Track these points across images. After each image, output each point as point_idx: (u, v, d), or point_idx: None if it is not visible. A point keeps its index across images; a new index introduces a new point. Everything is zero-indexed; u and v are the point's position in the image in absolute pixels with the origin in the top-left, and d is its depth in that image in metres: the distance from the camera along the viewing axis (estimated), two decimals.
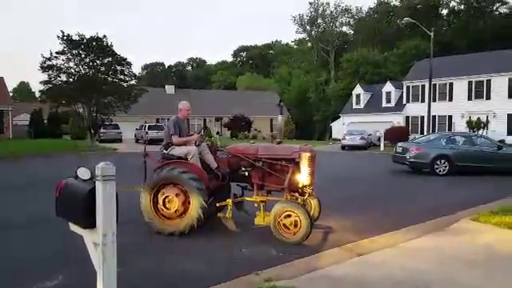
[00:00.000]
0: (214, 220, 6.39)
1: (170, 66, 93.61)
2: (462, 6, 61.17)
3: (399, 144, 16.91)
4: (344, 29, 71.76)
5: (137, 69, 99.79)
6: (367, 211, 8.10)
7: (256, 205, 6.16)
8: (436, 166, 14.57)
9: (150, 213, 6.05)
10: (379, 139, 31.74)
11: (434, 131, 32.53)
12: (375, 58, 54.87)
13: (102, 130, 37.58)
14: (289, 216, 5.54)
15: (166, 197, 5.95)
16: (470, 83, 37.73)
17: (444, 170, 14.47)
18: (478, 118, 33.46)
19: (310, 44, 73.34)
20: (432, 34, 28.72)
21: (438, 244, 5.59)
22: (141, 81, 53.86)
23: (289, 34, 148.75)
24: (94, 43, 32.55)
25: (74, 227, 2.90)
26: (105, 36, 32.92)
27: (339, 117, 49.25)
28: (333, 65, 65.06)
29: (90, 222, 2.71)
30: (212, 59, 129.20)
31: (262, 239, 5.80)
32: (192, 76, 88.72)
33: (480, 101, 36.84)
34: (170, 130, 6.43)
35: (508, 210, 7.28)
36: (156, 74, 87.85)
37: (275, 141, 6.65)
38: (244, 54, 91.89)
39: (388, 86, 44.04)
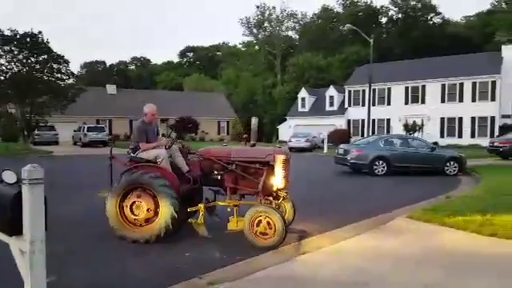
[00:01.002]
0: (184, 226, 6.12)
1: (111, 65, 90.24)
2: (400, 15, 64.71)
3: (341, 146, 17.50)
4: (290, 33, 73.40)
5: (75, 67, 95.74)
6: (315, 212, 8.21)
7: (229, 209, 5.94)
8: (375, 167, 15.22)
9: (117, 219, 5.70)
10: (323, 141, 32.68)
11: (373, 134, 34.05)
12: (319, 63, 56.57)
13: (36, 132, 35.42)
14: (263, 220, 5.38)
15: (134, 202, 5.66)
16: (406, 88, 40.01)
17: (382, 171, 15.14)
18: (414, 121, 35.52)
19: (257, 47, 74.06)
20: (372, 40, 30.07)
21: (376, 241, 5.82)
22: (79, 80, 51.43)
23: (236, 36, 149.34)
24: (28, 39, 30.75)
25: None
26: (40, 32, 31.21)
27: (286, 119, 50.16)
28: (279, 68, 66.18)
29: (16, 229, 2.52)
30: (157, 59, 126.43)
31: (207, 242, 5.71)
32: (135, 76, 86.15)
33: (416, 105, 39.15)
34: (135, 138, 6.13)
35: (440, 208, 7.75)
36: (96, 72, 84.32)
37: (249, 143, 6.50)
38: (191, 55, 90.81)
39: (331, 91, 45.56)
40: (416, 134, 31.73)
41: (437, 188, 11.53)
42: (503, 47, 37.49)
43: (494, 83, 35.37)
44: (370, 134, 31.24)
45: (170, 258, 5.16)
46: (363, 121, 38.48)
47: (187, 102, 51.39)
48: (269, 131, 60.43)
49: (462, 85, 36.88)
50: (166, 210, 5.53)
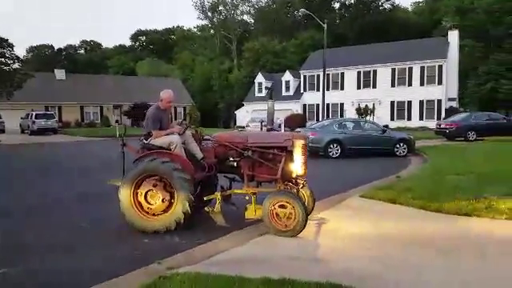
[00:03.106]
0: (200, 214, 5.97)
1: (59, 49, 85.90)
2: (352, 1, 65.81)
3: (297, 130, 17.77)
4: (245, 17, 72.82)
5: (21, 51, 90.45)
6: None
7: (247, 197, 5.69)
8: (329, 150, 15.61)
9: (131, 209, 5.50)
10: (280, 126, 33.03)
11: (328, 118, 34.80)
12: (275, 48, 56.68)
13: None
14: (283, 207, 5.17)
15: (148, 191, 5.46)
16: (358, 73, 41.07)
17: (336, 153, 15.56)
18: (366, 105, 36.56)
19: (212, 31, 73.00)
20: (325, 25, 30.47)
21: (331, 220, 6.02)
22: (26, 64, 48.67)
23: (190, 20, 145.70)
24: None
25: None
26: None
27: (243, 104, 50.13)
28: (235, 53, 65.72)
29: None
30: (108, 43, 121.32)
31: None
32: (85, 60, 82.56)
33: (367, 89, 40.32)
34: (149, 125, 5.85)
35: (390, 187, 8.12)
36: (44, 57, 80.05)
37: (265, 128, 6.31)
38: (143, 39, 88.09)
39: (287, 75, 45.94)
40: (368, 118, 32.74)
41: (388, 168, 12.01)
42: (449, 32, 39.17)
43: (440, 67, 37.01)
44: (325, 118, 31.90)
45: (128, 245, 5.10)
46: (318, 105, 39.19)
47: (141, 87, 50.03)
48: (227, 116, 60.22)
49: (410, 69, 38.32)
50: (181, 201, 5.40)
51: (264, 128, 31.54)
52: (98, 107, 46.60)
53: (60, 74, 49.22)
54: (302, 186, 5.99)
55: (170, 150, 5.66)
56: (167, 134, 5.82)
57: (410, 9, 68.88)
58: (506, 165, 10.70)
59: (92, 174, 11.59)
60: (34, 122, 32.81)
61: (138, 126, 41.27)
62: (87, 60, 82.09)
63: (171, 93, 6.13)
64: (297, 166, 5.61)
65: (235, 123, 52.23)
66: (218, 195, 5.69)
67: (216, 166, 5.92)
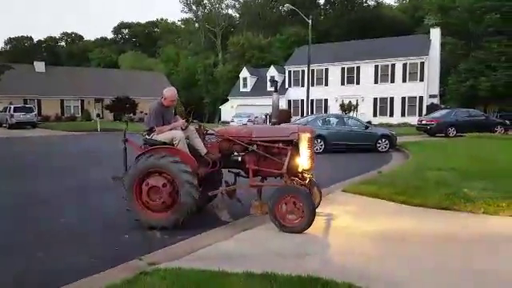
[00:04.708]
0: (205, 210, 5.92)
1: (39, 41, 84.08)
2: None
3: (282, 126, 17.77)
4: (230, 11, 72.43)
5: None
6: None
7: (257, 194, 5.62)
8: (313, 145, 15.66)
9: (135, 205, 5.43)
10: (265, 121, 33.07)
11: (312, 113, 34.95)
12: (260, 43, 56.54)
13: None
14: (289, 203, 5.07)
15: (152, 187, 5.35)
16: (342, 69, 41.32)
17: (320, 149, 15.63)
18: (350, 102, 36.86)
19: (196, 25, 72.38)
20: (310, 21, 30.51)
21: (317, 214, 6.02)
22: (4, 56, 47.50)
23: (175, 13, 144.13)
24: None
25: None
26: None
27: (228, 99, 49.92)
28: (220, 47, 65.33)
29: None
30: (90, 35, 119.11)
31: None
32: (66, 52, 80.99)
33: (351, 86, 40.64)
34: (151, 121, 5.72)
35: (372, 182, 8.20)
36: (23, 49, 78.20)
37: (271, 121, 6.24)
38: (126, 32, 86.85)
39: (272, 71, 45.89)
40: (351, 114, 33.02)
41: (370, 164, 12.12)
42: (431, 30, 39.72)
43: (422, 64, 37.52)
44: (309, 113, 32.03)
45: (109, 241, 5.04)
46: (302, 101, 39.30)
47: (124, 80, 49.32)
48: (211, 111, 59.90)
49: (393, 66, 38.75)
50: (180, 212, 5.33)
51: (248, 122, 31.55)
52: (78, 101, 45.76)
53: (39, 66, 48.09)
54: (308, 180, 5.89)
55: (174, 145, 5.56)
56: (170, 129, 5.73)
57: (393, 6, 69.49)
58: (485, 160, 10.93)
59: (79, 170, 11.40)
60: (12, 116, 32.09)
61: (120, 120, 40.77)
62: (68, 52, 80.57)
63: (175, 91, 6.01)
64: (303, 160, 5.55)
65: (220, 118, 52.00)
66: (222, 190, 5.63)
67: (220, 161, 5.85)
